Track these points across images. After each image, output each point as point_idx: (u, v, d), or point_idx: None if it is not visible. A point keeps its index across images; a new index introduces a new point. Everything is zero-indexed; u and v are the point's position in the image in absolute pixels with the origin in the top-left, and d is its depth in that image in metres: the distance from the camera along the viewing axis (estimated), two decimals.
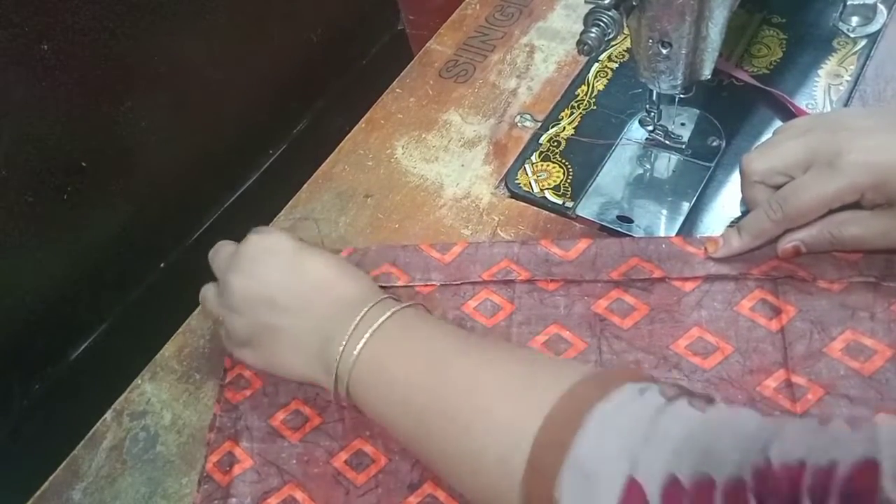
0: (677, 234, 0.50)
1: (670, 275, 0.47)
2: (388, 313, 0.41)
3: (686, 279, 0.47)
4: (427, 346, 0.41)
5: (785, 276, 0.46)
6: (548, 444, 0.32)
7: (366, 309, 0.42)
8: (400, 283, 0.51)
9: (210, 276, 0.48)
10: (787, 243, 0.45)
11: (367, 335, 0.41)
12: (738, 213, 0.51)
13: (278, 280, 0.44)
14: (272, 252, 0.45)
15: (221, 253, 0.48)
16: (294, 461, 0.45)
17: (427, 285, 0.51)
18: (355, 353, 0.41)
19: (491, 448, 0.35)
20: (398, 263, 0.52)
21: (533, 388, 0.36)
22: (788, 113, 0.55)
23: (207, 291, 0.48)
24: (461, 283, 0.50)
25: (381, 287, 0.47)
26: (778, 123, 0.55)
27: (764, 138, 0.54)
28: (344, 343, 0.41)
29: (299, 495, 0.44)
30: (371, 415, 0.42)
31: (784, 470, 0.27)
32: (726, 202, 0.52)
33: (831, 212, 0.44)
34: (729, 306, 0.46)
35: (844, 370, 0.42)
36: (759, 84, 0.57)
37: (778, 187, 0.46)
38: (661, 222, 0.52)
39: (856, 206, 0.43)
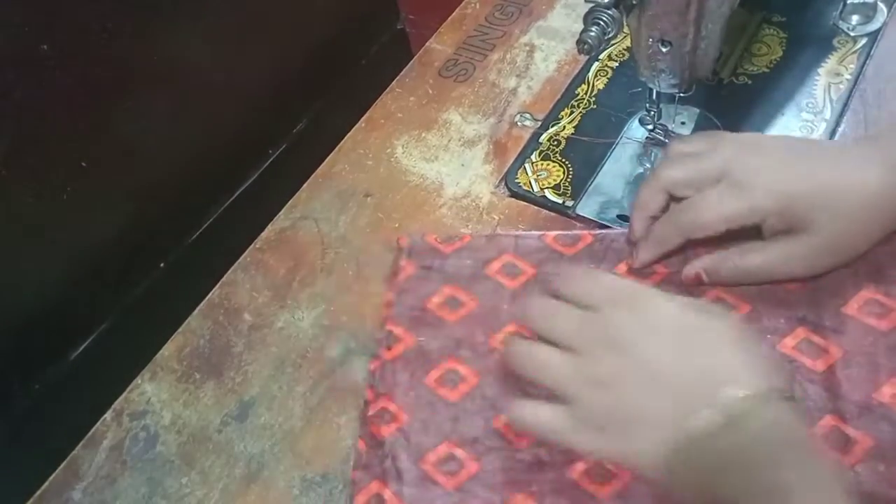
0: None
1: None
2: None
3: None
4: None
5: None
6: None
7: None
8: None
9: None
10: (689, 269, 0.46)
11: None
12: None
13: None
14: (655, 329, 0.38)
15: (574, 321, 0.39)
16: None
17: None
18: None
19: None
20: (519, 252, 0.51)
21: None
22: (789, 112, 0.55)
23: (553, 358, 0.39)
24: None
25: None
26: (778, 121, 0.55)
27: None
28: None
29: None
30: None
31: None
32: None
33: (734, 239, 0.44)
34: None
35: None
36: None
37: (678, 199, 0.45)
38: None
39: (758, 237, 0.44)
